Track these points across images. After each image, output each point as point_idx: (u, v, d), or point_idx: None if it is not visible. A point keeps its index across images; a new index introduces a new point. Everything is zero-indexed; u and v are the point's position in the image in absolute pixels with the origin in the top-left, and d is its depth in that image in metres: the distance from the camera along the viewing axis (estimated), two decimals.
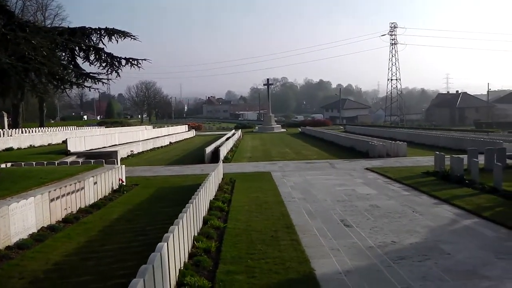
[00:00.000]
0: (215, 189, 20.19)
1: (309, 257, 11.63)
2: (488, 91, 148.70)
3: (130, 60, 24.17)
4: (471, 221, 15.32)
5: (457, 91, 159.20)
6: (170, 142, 60.94)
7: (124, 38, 24.40)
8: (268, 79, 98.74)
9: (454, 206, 17.54)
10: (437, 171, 25.04)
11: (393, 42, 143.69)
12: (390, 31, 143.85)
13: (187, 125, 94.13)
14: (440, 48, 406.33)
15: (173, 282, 9.22)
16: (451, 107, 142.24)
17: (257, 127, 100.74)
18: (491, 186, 20.09)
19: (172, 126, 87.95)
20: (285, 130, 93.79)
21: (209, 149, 38.28)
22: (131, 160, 39.26)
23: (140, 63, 24.30)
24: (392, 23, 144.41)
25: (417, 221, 15.37)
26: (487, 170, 24.12)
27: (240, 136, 70.61)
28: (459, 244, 12.76)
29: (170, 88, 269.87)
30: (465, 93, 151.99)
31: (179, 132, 76.78)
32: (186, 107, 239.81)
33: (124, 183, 23.46)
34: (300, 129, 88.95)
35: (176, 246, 9.67)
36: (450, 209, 17.10)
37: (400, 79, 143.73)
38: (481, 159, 25.74)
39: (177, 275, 9.64)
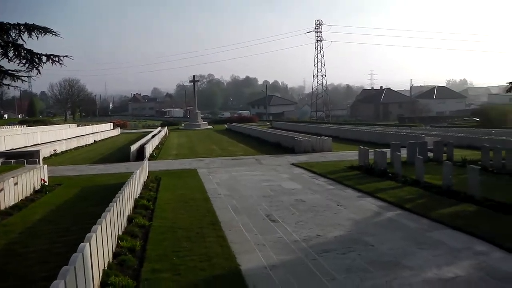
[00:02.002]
0: (140, 187, 19.92)
1: (235, 253, 11.61)
2: (411, 87, 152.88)
3: (51, 56, 23.57)
4: (394, 213, 15.65)
5: (381, 87, 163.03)
6: (94, 141, 59.91)
7: (44, 34, 23.78)
8: (194, 76, 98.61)
9: (377, 198, 17.89)
10: (361, 165, 25.49)
11: (318, 39, 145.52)
12: (315, 28, 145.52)
13: (112, 123, 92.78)
14: (364, 45, 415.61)
15: (97, 283, 9.04)
16: (375, 102, 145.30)
17: (183, 124, 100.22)
18: (413, 179, 20.59)
19: (96, 124, 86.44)
20: (211, 127, 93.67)
21: (134, 147, 37.82)
22: (54, 159, 38.36)
23: (61, 60, 23.79)
24: (317, 20, 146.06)
25: (342, 214, 15.59)
26: (410, 163, 24.75)
27: (166, 134, 70.11)
28: (382, 235, 13.01)
29: (94, 85, 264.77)
30: (389, 89, 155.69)
31: (104, 130, 75.66)
32: (111, 105, 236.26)
33: (47, 183, 22.84)
34: (226, 126, 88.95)
35: (99, 246, 9.48)
36: (373, 202, 17.43)
37: (325, 76, 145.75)
38: (403, 153, 26.41)
39: (101, 275, 9.45)
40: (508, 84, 28.08)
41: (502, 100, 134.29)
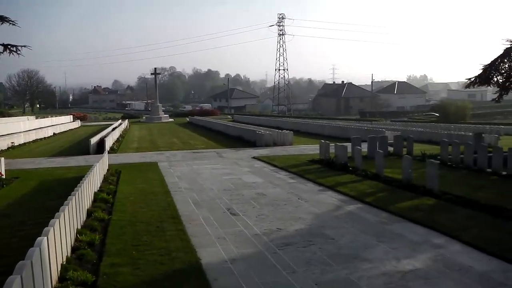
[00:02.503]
0: (100, 181, 19.69)
1: (195, 246, 11.57)
2: (372, 82, 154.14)
3: (9, 46, 23.01)
4: (354, 207, 15.77)
5: (342, 82, 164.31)
6: (54, 133, 59.12)
7: (1, 23, 23.17)
8: (155, 69, 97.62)
9: (338, 192, 18.00)
10: (322, 159, 25.61)
11: (281, 32, 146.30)
12: (278, 22, 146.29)
13: (72, 116, 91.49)
14: (326, 39, 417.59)
15: (55, 278, 8.90)
16: (337, 97, 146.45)
17: (144, 117, 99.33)
18: (374, 173, 20.78)
19: (56, 116, 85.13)
20: (173, 120, 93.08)
21: (94, 140, 37.40)
22: (12, 152, 37.74)
23: (19, 50, 23.20)
24: (280, 14, 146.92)
25: (303, 208, 15.65)
26: (370, 157, 24.99)
27: (127, 127, 69.47)
28: (343, 229, 13.09)
29: (54, 77, 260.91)
30: (351, 83, 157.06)
31: (64, 123, 74.56)
32: (71, 97, 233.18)
33: (4, 176, 22.41)
34: (188, 119, 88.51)
35: (58, 240, 9.33)
36: (334, 196, 17.52)
37: (287, 69, 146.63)
38: (364, 147, 26.63)
39: (59, 270, 9.32)
40: (466, 80, 28.42)
41: (461, 96, 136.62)
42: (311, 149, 32.28)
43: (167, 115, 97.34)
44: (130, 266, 10.28)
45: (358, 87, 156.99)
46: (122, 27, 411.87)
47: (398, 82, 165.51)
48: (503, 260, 10.30)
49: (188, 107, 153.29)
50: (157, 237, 12.46)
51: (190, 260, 10.66)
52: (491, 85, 28.39)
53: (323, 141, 27.14)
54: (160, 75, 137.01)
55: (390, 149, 28.73)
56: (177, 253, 11.10)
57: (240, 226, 13.54)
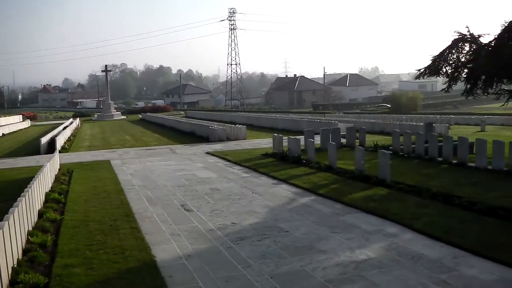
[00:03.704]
0: (51, 181, 19.37)
1: (149, 244, 11.49)
2: (324, 75, 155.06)
3: None
4: (308, 199, 15.86)
5: (295, 75, 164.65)
6: (2, 134, 58.00)
7: None
8: (106, 66, 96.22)
9: (292, 185, 18.08)
10: (276, 153, 25.67)
11: (232, 27, 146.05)
12: (229, 17, 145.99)
13: (21, 115, 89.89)
14: (278, 33, 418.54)
15: (5, 281, 8.73)
16: (289, 90, 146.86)
17: (96, 115, 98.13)
18: (327, 165, 20.93)
19: (4, 117, 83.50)
20: (125, 117, 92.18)
21: (44, 140, 36.77)
22: None
23: None
24: (231, 9, 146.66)
25: (257, 202, 15.66)
26: (323, 149, 25.16)
27: (78, 125, 68.50)
28: (297, 221, 13.16)
29: (2, 77, 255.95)
30: (303, 76, 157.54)
31: (13, 123, 73.19)
32: (20, 97, 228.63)
33: None
34: (140, 116, 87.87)
35: (7, 243, 9.14)
36: (288, 189, 17.60)
37: (239, 64, 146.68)
38: (317, 140, 26.79)
39: (10, 273, 9.14)
40: (417, 71, 28.94)
41: (412, 87, 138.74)
42: (265, 143, 32.33)
43: (119, 113, 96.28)
44: (83, 266, 10.13)
45: (310, 80, 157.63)
46: (71, 24, 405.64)
47: (350, 74, 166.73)
48: (454, 246, 10.52)
49: (141, 104, 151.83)
50: (110, 236, 12.32)
51: (144, 258, 10.57)
52: (441, 76, 28.95)
53: (276, 134, 27.24)
54: (111, 72, 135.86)
55: (343, 141, 28.99)
56: (131, 251, 10.99)
57: (194, 222, 13.48)
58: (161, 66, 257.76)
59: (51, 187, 18.50)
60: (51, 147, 35.03)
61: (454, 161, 20.84)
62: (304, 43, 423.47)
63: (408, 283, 8.85)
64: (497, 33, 23.43)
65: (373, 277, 9.11)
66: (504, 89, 25.65)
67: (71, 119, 75.41)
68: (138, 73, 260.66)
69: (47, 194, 16.76)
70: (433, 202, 14.34)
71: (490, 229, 11.55)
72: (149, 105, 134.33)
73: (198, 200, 16.27)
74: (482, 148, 19.66)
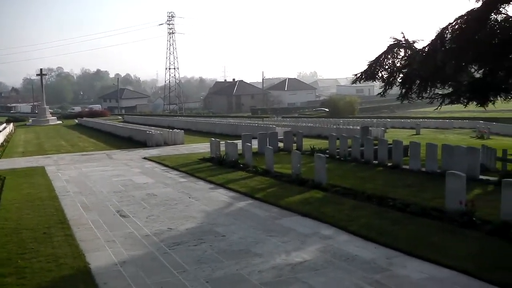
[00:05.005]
0: None
1: (84, 251, 11.28)
2: (262, 79, 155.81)
3: None
4: (245, 203, 15.88)
5: (234, 79, 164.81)
6: None
7: None
8: (41, 69, 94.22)
9: (229, 189, 18.07)
10: (213, 157, 25.63)
11: (171, 31, 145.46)
12: (168, 21, 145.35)
13: None
14: (217, 37, 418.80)
15: None
16: (228, 94, 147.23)
17: (31, 120, 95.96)
18: (264, 169, 21.01)
19: None
20: (61, 122, 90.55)
21: None
22: None
23: None
24: (169, 12, 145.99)
25: (194, 207, 15.60)
26: (261, 153, 25.21)
27: (12, 130, 66.81)
28: (234, 225, 13.16)
29: None
30: (242, 81, 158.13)
31: None
32: None
33: None
34: (77, 121, 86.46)
35: None
36: (225, 193, 17.59)
37: (178, 68, 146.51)
38: (255, 144, 26.91)
39: None
40: (354, 76, 29.44)
41: (349, 91, 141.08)
42: (202, 147, 32.27)
43: (55, 117, 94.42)
44: (14, 276, 9.85)
45: (249, 85, 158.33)
46: (4, 27, 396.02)
47: (289, 79, 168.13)
48: (387, 247, 10.73)
49: (77, 109, 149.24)
50: (44, 243, 12.04)
51: (79, 265, 10.37)
52: (377, 80, 29.50)
53: (213, 139, 27.23)
54: (46, 76, 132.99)
55: (280, 145, 29.16)
56: (65, 259, 10.77)
57: (130, 228, 13.32)
58: (98, 70, 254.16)
59: None
60: None
61: (389, 164, 21.26)
62: (243, 48, 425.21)
63: (343, 284, 8.96)
64: (431, 39, 23.96)
65: (309, 279, 9.19)
66: (438, 93, 26.24)
67: (4, 124, 73.46)
68: (75, 77, 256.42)
69: None
70: (368, 204, 14.58)
71: (422, 230, 11.81)
72: (86, 109, 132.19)
73: (134, 205, 16.09)
74: (416, 151, 20.13)
